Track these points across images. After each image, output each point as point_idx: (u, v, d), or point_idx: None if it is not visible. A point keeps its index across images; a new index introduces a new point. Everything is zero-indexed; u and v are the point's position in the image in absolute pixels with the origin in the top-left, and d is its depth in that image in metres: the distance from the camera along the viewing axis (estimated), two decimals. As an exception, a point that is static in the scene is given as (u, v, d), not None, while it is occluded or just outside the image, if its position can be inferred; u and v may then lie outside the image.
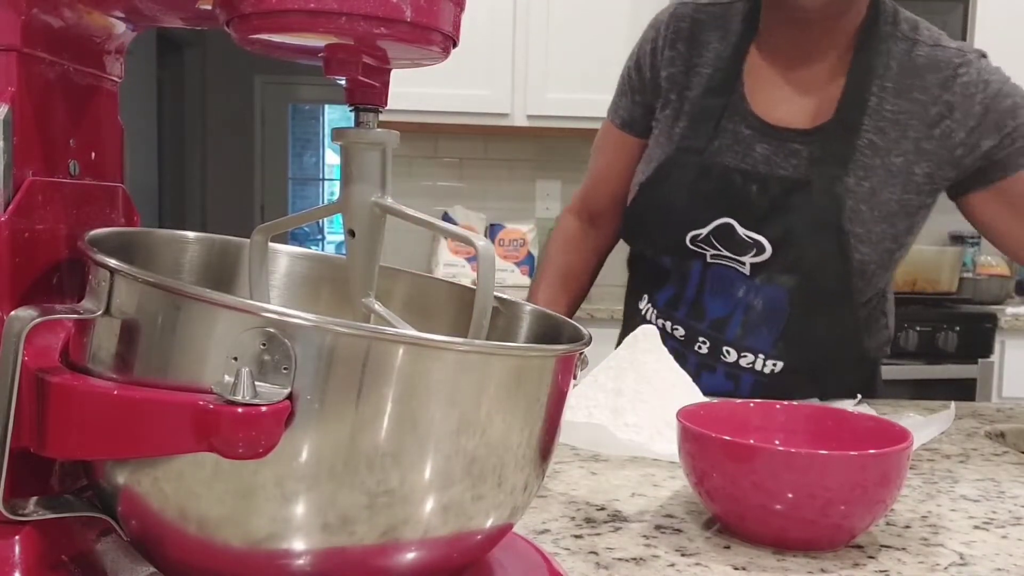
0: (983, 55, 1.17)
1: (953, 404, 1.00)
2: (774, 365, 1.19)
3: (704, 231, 1.18)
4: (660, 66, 1.26)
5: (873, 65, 1.14)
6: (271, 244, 0.63)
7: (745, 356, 1.19)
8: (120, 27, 0.61)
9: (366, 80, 0.52)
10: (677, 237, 1.20)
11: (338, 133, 0.54)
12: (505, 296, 0.67)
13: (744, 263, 1.17)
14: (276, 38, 0.51)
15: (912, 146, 1.14)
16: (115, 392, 0.46)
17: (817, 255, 1.14)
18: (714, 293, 1.20)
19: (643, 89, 1.29)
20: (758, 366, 1.19)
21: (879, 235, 1.15)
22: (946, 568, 0.66)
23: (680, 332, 1.23)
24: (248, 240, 0.63)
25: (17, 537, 0.50)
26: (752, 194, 1.16)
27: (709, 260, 1.20)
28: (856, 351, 1.24)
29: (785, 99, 1.19)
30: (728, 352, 1.19)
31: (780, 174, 1.16)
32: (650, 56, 1.28)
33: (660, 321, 1.25)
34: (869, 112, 1.14)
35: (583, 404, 0.99)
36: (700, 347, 1.21)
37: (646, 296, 1.28)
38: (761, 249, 1.15)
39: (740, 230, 1.16)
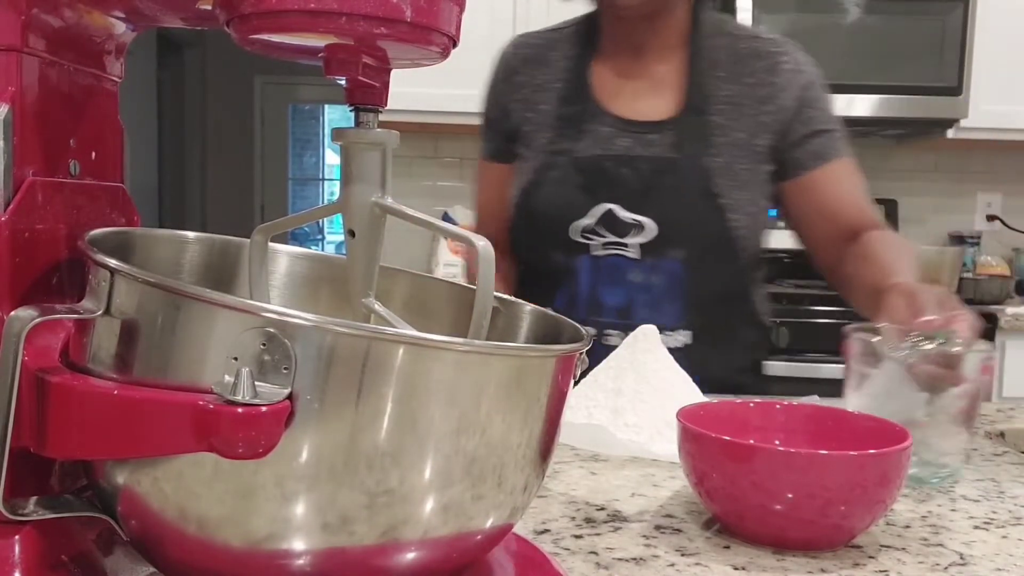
0: (796, 46, 1.32)
1: None
2: (684, 337, 1.27)
3: (588, 220, 1.26)
4: (512, 93, 1.38)
5: (706, 58, 1.29)
6: (271, 244, 0.63)
7: None
8: (120, 27, 0.61)
9: (366, 80, 0.52)
10: (563, 231, 1.27)
11: (338, 133, 0.54)
12: (505, 296, 0.67)
13: (630, 246, 1.25)
14: (276, 38, 0.51)
15: (751, 122, 1.27)
16: (115, 392, 0.46)
17: (699, 224, 1.25)
18: (607, 284, 1.27)
19: (499, 119, 1.40)
20: (670, 343, 1.24)
21: (742, 201, 1.26)
22: (946, 568, 0.66)
23: (590, 331, 1.26)
24: (248, 240, 0.63)
25: (17, 537, 0.50)
26: (625, 177, 1.26)
27: (597, 252, 1.27)
28: (749, 310, 1.35)
29: (635, 97, 1.31)
30: None
31: (646, 155, 1.27)
32: (502, 86, 1.40)
33: None
34: (710, 99, 1.27)
35: (583, 404, 0.99)
36: (610, 339, 1.25)
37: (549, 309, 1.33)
38: (644, 228, 1.24)
39: (622, 213, 1.25)
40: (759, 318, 1.37)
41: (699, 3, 1.32)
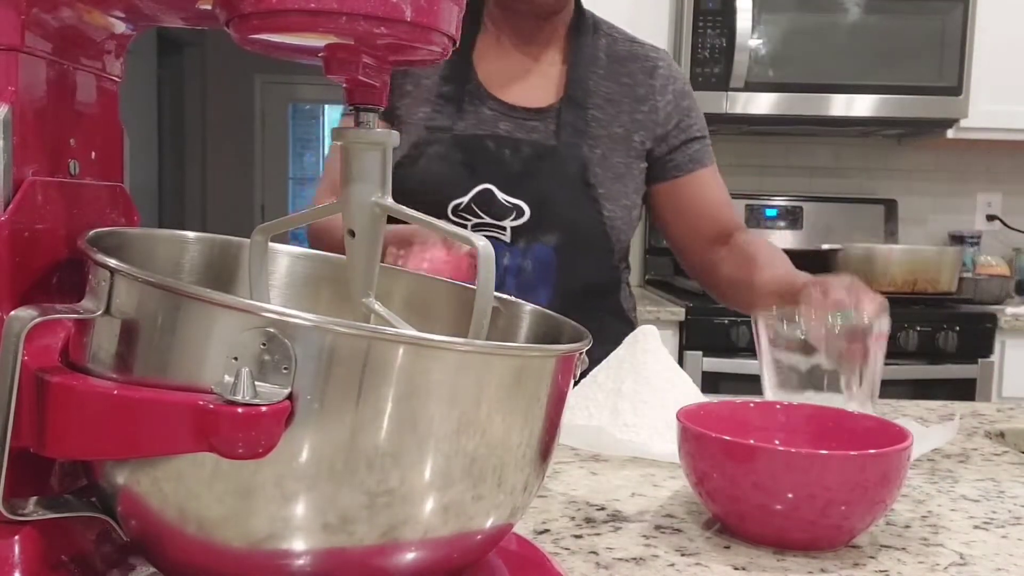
0: (669, 55, 1.38)
1: (957, 417, 0.99)
2: None
3: (465, 199, 1.26)
4: None
5: (586, 54, 1.32)
6: (271, 244, 0.62)
7: None
8: (120, 27, 0.61)
9: (366, 80, 0.52)
10: (439, 209, 1.26)
11: (338, 133, 0.54)
12: (505, 296, 0.67)
13: (505, 228, 1.25)
14: (276, 38, 0.50)
15: (628, 119, 1.31)
16: (115, 392, 0.46)
17: (574, 211, 1.26)
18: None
19: None
20: None
21: (617, 193, 1.29)
22: (946, 568, 0.66)
23: None
24: (248, 240, 0.62)
25: (17, 537, 0.50)
26: (506, 157, 1.27)
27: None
28: (616, 305, 1.38)
29: (518, 83, 1.32)
30: None
31: (528, 139, 1.28)
32: None
33: None
34: (590, 92, 1.30)
35: (583, 404, 0.98)
36: None
37: None
38: (520, 212, 1.25)
39: (499, 195, 1.25)
40: (626, 314, 1.40)
41: (580, 2, 1.35)
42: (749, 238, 1.31)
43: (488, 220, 1.26)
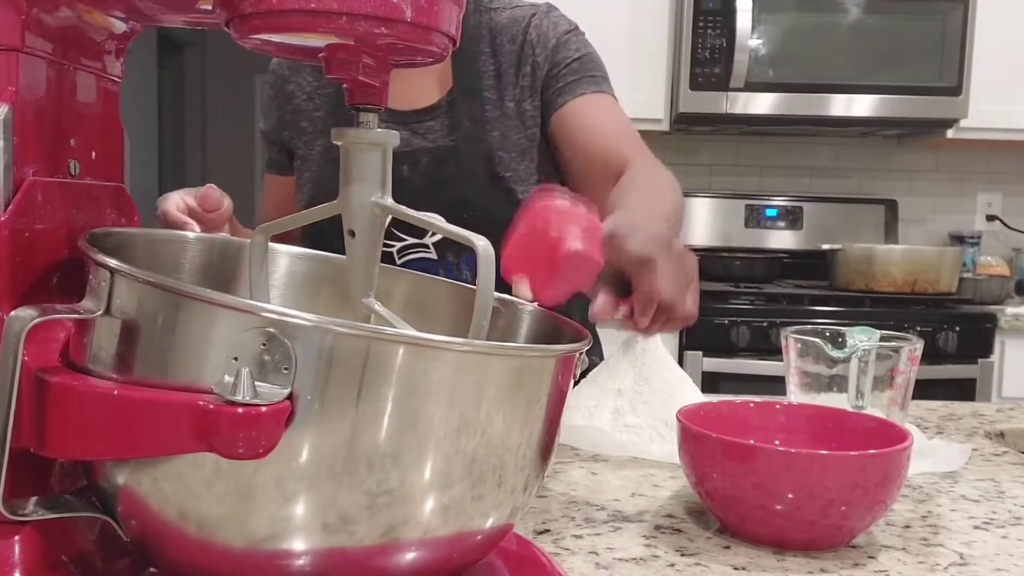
0: (554, 8, 1.30)
1: (970, 448, 0.98)
2: None
3: None
4: (285, 103, 1.34)
5: (469, 37, 1.24)
6: (271, 244, 0.63)
7: None
8: (120, 27, 0.61)
9: (366, 80, 0.52)
10: None
11: (338, 133, 0.54)
12: (505, 296, 0.67)
13: (428, 245, 1.21)
14: (276, 38, 0.51)
15: (514, 88, 1.25)
16: (115, 392, 0.46)
17: (491, 209, 1.17)
18: None
19: (274, 131, 1.37)
20: None
21: (525, 171, 1.23)
22: (946, 568, 0.66)
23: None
24: (248, 240, 0.63)
25: (17, 537, 0.50)
26: (404, 174, 1.21)
27: (400, 260, 1.22)
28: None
29: (404, 86, 1.24)
30: None
31: (424, 146, 1.23)
32: (276, 98, 1.36)
33: None
34: (478, 75, 1.25)
35: (583, 404, 0.98)
36: None
37: None
38: None
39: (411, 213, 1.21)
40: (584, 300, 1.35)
41: None
42: (632, 174, 1.13)
43: (410, 240, 1.21)
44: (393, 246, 1.21)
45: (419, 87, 1.26)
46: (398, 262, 1.21)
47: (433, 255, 1.21)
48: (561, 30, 1.27)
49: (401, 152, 1.20)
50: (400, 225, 1.19)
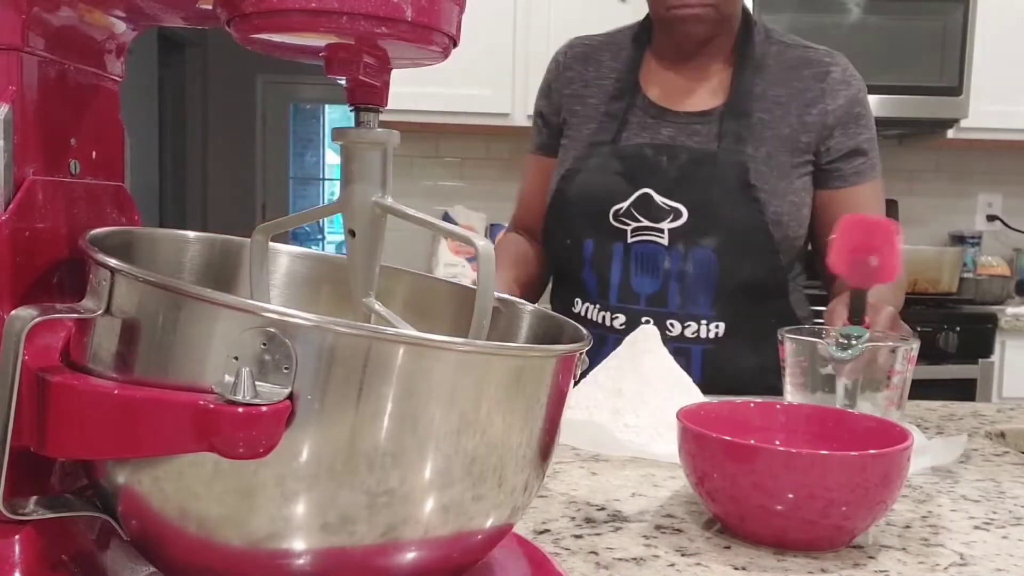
0: (845, 58, 1.37)
1: (965, 436, 0.99)
2: (716, 328, 1.29)
3: (625, 204, 1.30)
4: (562, 87, 1.43)
5: (752, 65, 1.35)
6: (271, 244, 0.63)
7: (689, 325, 1.29)
8: (121, 26, 0.61)
9: (367, 80, 0.52)
10: (600, 215, 1.31)
11: (338, 133, 0.54)
12: (505, 296, 0.67)
13: (663, 230, 1.29)
14: (277, 38, 0.51)
15: (796, 120, 1.32)
16: (115, 392, 0.46)
17: (733, 212, 1.27)
18: (640, 272, 1.31)
19: (552, 112, 1.45)
20: (703, 333, 1.29)
21: (783, 190, 1.30)
22: (946, 568, 0.66)
23: (620, 320, 1.31)
24: (249, 240, 0.62)
25: (17, 537, 0.50)
26: (663, 164, 1.30)
27: (630, 239, 1.30)
28: (785, 309, 1.36)
29: (682, 92, 1.36)
30: (672, 325, 1.29)
31: (687, 145, 1.32)
32: (554, 82, 1.45)
33: (600, 314, 1.32)
34: (755, 98, 1.33)
35: (583, 404, 0.98)
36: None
37: (577, 299, 1.37)
38: (678, 214, 1.28)
39: (657, 198, 1.29)
40: (796, 318, 1.37)
41: (748, 13, 1.39)
42: None
43: (646, 223, 1.29)
44: (629, 225, 1.29)
45: (697, 95, 1.35)
46: (629, 241, 1.30)
47: (665, 241, 1.28)
48: (857, 92, 1.34)
49: (664, 145, 1.32)
50: (641, 208, 1.29)
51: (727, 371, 1.26)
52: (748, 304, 1.30)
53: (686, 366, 1.24)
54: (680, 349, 1.26)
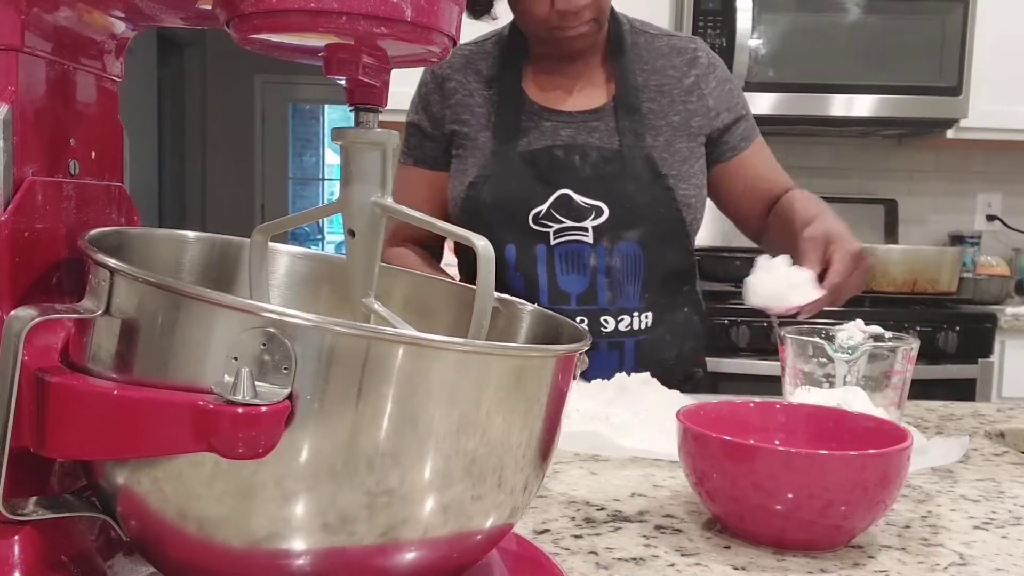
0: (701, 41, 1.45)
1: (967, 438, 0.99)
2: (646, 319, 1.33)
3: (544, 206, 1.32)
4: (445, 99, 1.41)
5: (628, 54, 1.38)
6: (271, 244, 0.63)
7: (622, 319, 1.32)
8: (120, 26, 0.61)
9: (366, 80, 0.52)
10: (519, 219, 1.32)
11: (338, 133, 0.54)
12: (505, 296, 0.67)
13: (587, 228, 1.30)
14: (276, 38, 0.50)
15: (682, 107, 1.38)
16: (115, 392, 0.46)
17: (652, 203, 1.32)
18: (567, 272, 1.32)
19: (432, 124, 1.42)
20: (635, 325, 1.33)
21: (687, 173, 1.35)
22: (946, 568, 0.66)
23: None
24: (248, 240, 0.62)
25: (17, 537, 0.50)
26: (576, 163, 1.32)
27: (554, 240, 1.31)
28: (694, 296, 1.43)
29: (568, 93, 1.39)
30: (607, 321, 1.32)
31: (591, 142, 1.34)
32: (432, 95, 1.42)
33: None
34: (640, 89, 1.37)
35: (577, 415, 0.99)
36: None
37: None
38: (600, 212, 1.31)
39: (577, 198, 1.31)
40: (701, 305, 1.45)
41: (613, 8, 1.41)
42: (787, 195, 1.37)
43: (569, 223, 1.31)
44: (550, 227, 1.31)
45: (584, 94, 1.38)
46: (553, 243, 1.31)
47: (590, 239, 1.31)
48: (724, 73, 1.42)
49: (574, 144, 1.34)
50: (561, 208, 1.30)
51: (655, 361, 1.30)
52: (669, 292, 1.36)
53: (620, 361, 1.31)
54: (614, 344, 1.31)
